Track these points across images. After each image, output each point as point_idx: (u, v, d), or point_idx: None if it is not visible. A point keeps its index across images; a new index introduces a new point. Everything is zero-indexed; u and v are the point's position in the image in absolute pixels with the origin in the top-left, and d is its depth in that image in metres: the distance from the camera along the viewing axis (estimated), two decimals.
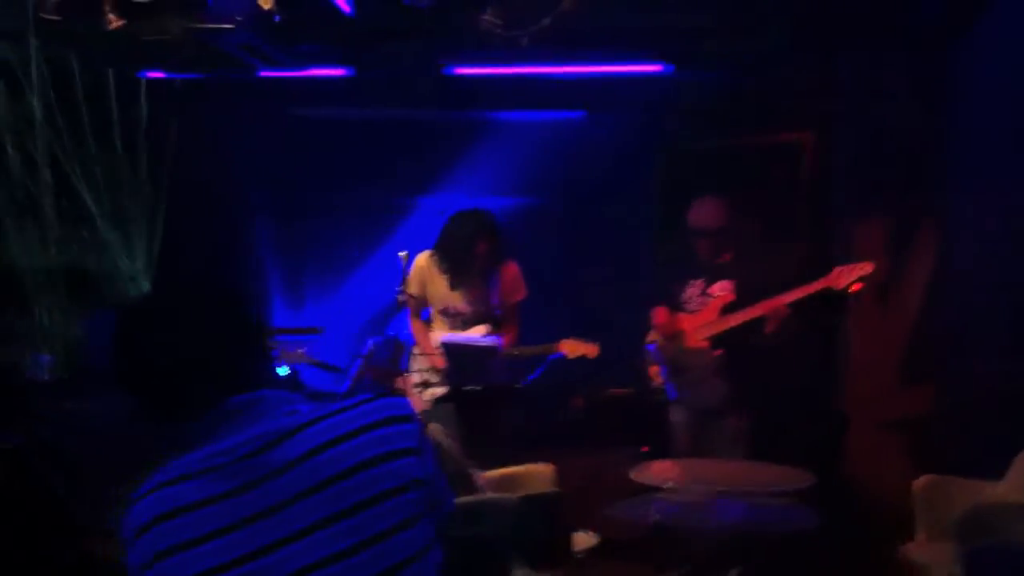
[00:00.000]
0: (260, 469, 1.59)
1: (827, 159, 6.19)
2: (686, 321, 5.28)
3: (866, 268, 4.72)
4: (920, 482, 4.29)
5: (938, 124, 5.49)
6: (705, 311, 5.21)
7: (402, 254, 4.89)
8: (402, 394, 4.75)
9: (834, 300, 4.87)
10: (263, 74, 5.89)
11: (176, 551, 1.55)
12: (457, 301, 5.24)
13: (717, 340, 5.07)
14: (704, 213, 5.27)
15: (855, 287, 4.72)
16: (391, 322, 4.92)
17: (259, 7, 4.56)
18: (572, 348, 5.12)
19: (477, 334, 5.22)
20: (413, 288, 5.19)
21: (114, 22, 4.60)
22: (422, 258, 5.28)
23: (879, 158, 5.74)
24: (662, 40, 5.74)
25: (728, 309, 5.13)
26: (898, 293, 5.64)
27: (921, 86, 5.60)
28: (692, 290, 5.31)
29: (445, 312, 5.28)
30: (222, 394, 1.65)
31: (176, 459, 1.64)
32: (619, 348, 5.60)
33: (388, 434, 1.65)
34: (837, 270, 4.76)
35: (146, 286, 4.84)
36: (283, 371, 5.03)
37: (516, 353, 5.15)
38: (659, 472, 4.43)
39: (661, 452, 5.30)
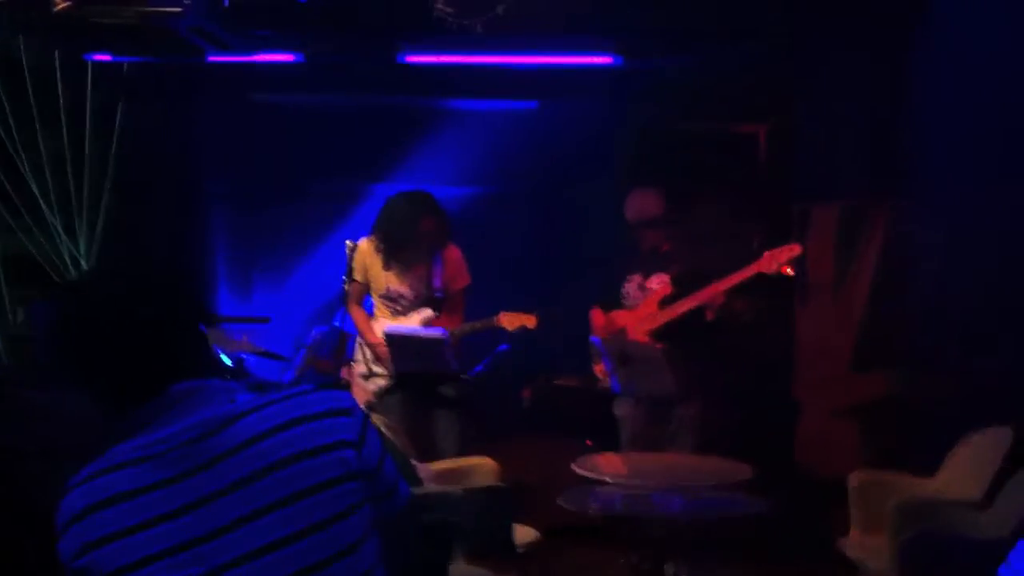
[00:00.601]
0: (198, 457, 1.59)
1: (784, 148, 6.25)
2: (625, 318, 5.31)
3: (794, 250, 4.76)
4: (854, 477, 4.36)
5: (894, 113, 5.54)
6: (644, 305, 5.26)
7: (349, 243, 4.87)
8: (347, 384, 4.74)
9: (772, 283, 4.92)
10: (213, 59, 5.84)
11: (110, 540, 1.54)
12: (399, 285, 5.21)
13: (659, 333, 5.11)
14: (641, 204, 5.31)
15: (785, 269, 4.77)
16: (337, 312, 4.89)
17: None
18: (511, 320, 5.10)
19: (420, 319, 5.20)
20: (357, 274, 5.16)
21: (61, 4, 4.55)
22: (365, 244, 5.23)
23: (835, 147, 5.80)
24: (616, 29, 5.76)
25: (666, 301, 5.17)
26: (849, 281, 5.72)
27: (879, 75, 5.66)
28: (630, 285, 5.36)
29: (387, 296, 5.23)
30: (163, 381, 1.64)
31: (115, 447, 1.63)
32: (568, 339, 5.64)
33: (326, 426, 1.65)
34: (767, 254, 4.80)
35: (87, 270, 4.78)
36: (227, 360, 5.00)
37: (456, 332, 5.14)
38: (602, 465, 4.46)
39: (606, 444, 5.34)
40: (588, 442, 5.53)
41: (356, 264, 5.12)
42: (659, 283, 5.26)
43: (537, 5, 5.04)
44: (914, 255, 5.34)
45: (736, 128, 6.41)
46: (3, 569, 2.75)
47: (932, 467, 4.36)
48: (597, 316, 5.40)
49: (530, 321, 5.08)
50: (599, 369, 5.26)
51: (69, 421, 2.94)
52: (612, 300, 5.39)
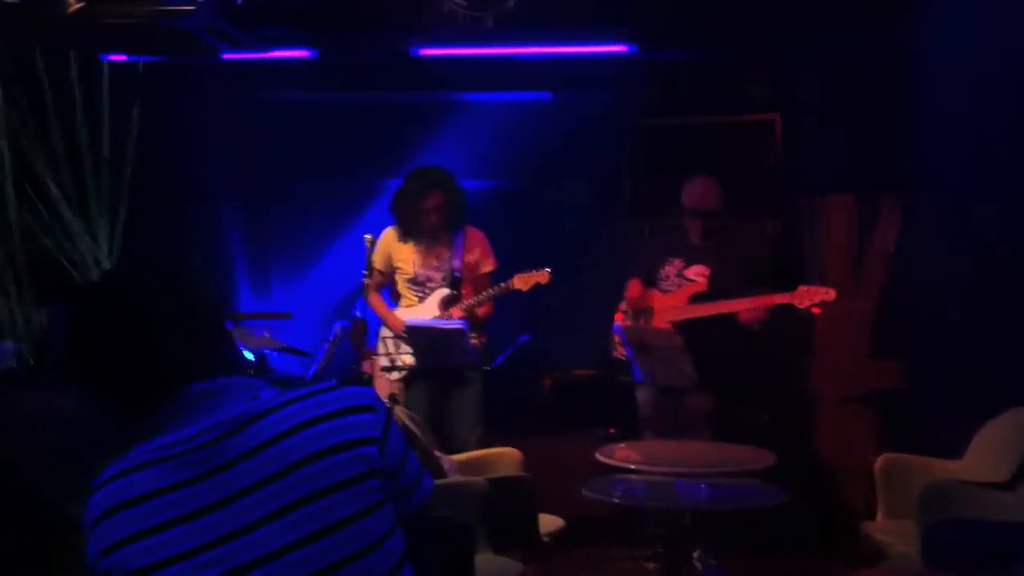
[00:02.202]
0: (221, 456, 1.59)
1: (796, 139, 6.23)
2: (657, 299, 5.31)
3: (829, 294, 4.81)
4: (880, 461, 4.35)
5: (904, 104, 5.53)
6: (677, 293, 5.26)
7: (368, 237, 4.88)
8: (369, 378, 4.75)
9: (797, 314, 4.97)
10: (227, 56, 5.85)
11: (135, 539, 1.55)
12: (423, 266, 5.24)
13: (681, 325, 5.11)
14: (701, 193, 5.28)
15: (815, 310, 4.82)
16: (357, 302, 4.91)
17: None
18: (524, 281, 5.14)
19: (438, 299, 5.22)
20: (379, 263, 5.19)
21: (74, 5, 4.56)
22: (388, 231, 5.30)
23: (846, 138, 5.78)
24: (628, 19, 5.75)
25: (696, 299, 5.18)
26: (865, 270, 5.71)
27: (887, 66, 5.65)
28: (670, 268, 5.35)
29: (414, 281, 5.28)
30: (185, 380, 1.64)
31: (137, 447, 1.63)
32: (588, 329, 5.64)
33: (349, 423, 1.64)
34: (802, 289, 4.85)
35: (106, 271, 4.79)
36: (249, 356, 5.02)
37: (471, 302, 5.17)
38: (624, 454, 4.46)
39: (627, 433, 5.35)
40: (611, 430, 5.54)
41: (378, 253, 5.15)
42: (697, 274, 5.26)
43: None
44: (929, 242, 5.32)
45: (747, 119, 6.39)
46: (10, 568, 2.77)
47: (954, 451, 4.35)
48: (634, 287, 5.37)
49: (543, 276, 5.11)
50: (620, 352, 5.27)
51: (78, 421, 2.96)
52: (650, 279, 5.38)
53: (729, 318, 5.05)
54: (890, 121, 5.61)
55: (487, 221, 5.58)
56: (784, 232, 6.16)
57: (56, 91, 4.73)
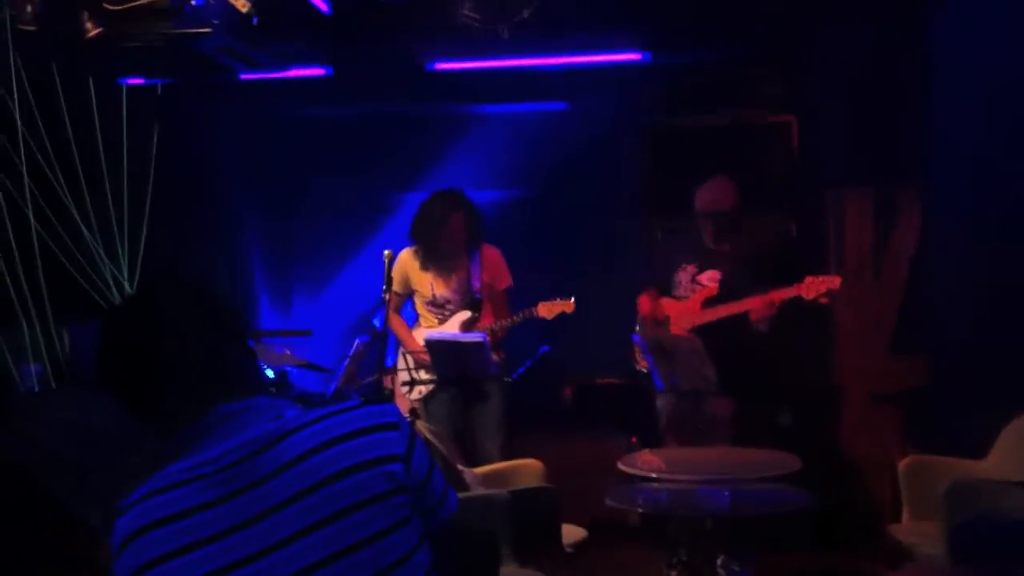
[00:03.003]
0: (248, 476, 1.61)
1: (812, 137, 6.22)
2: (672, 307, 5.31)
3: (834, 282, 4.81)
4: (905, 462, 4.34)
5: (920, 99, 5.52)
6: (691, 300, 5.26)
7: (386, 252, 4.91)
8: (390, 393, 4.77)
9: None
10: (244, 76, 5.89)
11: (163, 560, 1.56)
12: (443, 289, 5.27)
13: (698, 330, 5.11)
14: (715, 195, 5.27)
15: (823, 299, 4.82)
16: (377, 312, 4.94)
17: (237, 10, 4.57)
18: (549, 309, 5.15)
19: (459, 321, 5.24)
20: (397, 286, 5.21)
21: (91, 30, 4.61)
22: (405, 254, 5.32)
23: (863, 134, 5.77)
24: (641, 26, 5.76)
25: (709, 303, 5.18)
26: (887, 266, 5.70)
27: (902, 61, 5.63)
28: (683, 274, 5.34)
29: (433, 303, 5.30)
30: (211, 401, 1.66)
31: (163, 469, 1.65)
32: (608, 338, 5.63)
33: (375, 440, 1.66)
34: (809, 280, 4.84)
35: (131, 292, 4.84)
36: (269, 373, 5.05)
37: (495, 327, 5.19)
38: (647, 461, 4.46)
39: (650, 441, 5.34)
40: (633, 439, 5.54)
41: (396, 275, 5.17)
42: (709, 279, 5.26)
43: (563, 7, 5.04)
44: (950, 239, 5.30)
45: (766, 119, 6.38)
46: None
47: (979, 450, 4.33)
48: (645, 301, 5.38)
49: (568, 306, 5.12)
50: (642, 364, 5.27)
51: (103, 438, 2.99)
52: (664, 286, 5.38)
53: (743, 320, 5.04)
54: (907, 117, 5.58)
55: (505, 231, 5.60)
56: (800, 230, 6.14)
57: (75, 115, 4.78)
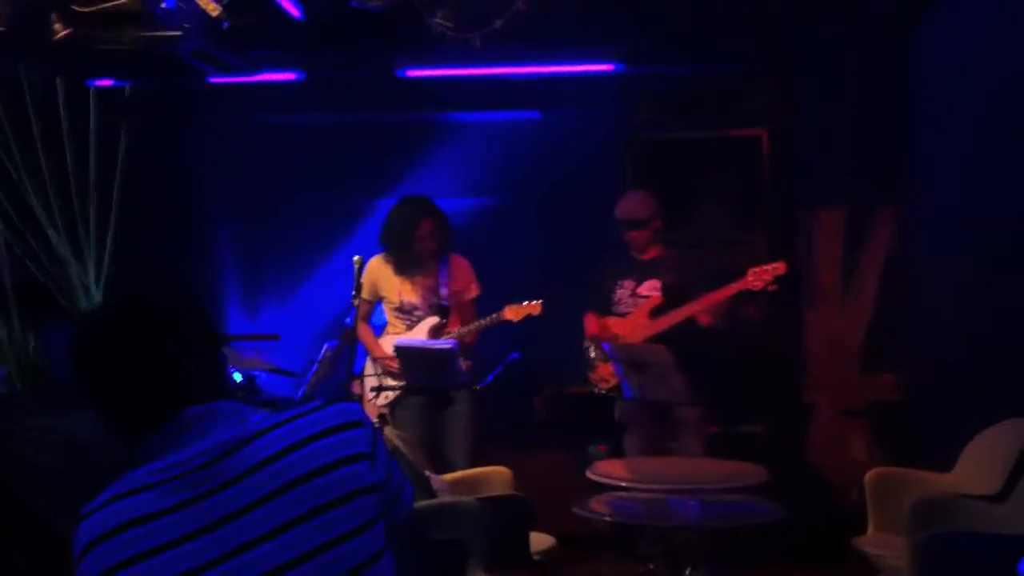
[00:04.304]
0: (214, 480, 1.60)
1: (787, 151, 6.25)
2: (619, 325, 5.33)
3: (779, 269, 4.86)
4: (871, 474, 4.35)
5: (896, 115, 5.56)
6: (635, 314, 5.27)
7: (356, 258, 4.89)
8: (359, 398, 4.75)
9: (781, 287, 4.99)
10: (214, 80, 5.86)
11: (127, 565, 1.55)
12: (410, 295, 5.25)
13: (653, 342, 5.12)
14: (629, 205, 5.34)
15: (771, 287, 4.85)
16: (349, 313, 4.91)
17: (207, 15, 4.54)
18: (516, 312, 5.14)
19: (427, 327, 5.23)
20: (365, 292, 5.19)
21: (60, 32, 4.56)
22: (374, 260, 5.30)
23: (838, 150, 5.81)
24: (614, 38, 5.78)
25: (656, 312, 5.20)
26: (857, 283, 5.74)
27: (879, 76, 5.67)
28: (622, 291, 5.37)
29: (401, 309, 5.28)
30: (177, 406, 1.66)
31: (129, 472, 1.64)
32: (579, 347, 5.63)
33: (339, 440, 1.66)
34: (751, 271, 4.89)
35: (98, 297, 4.79)
36: (238, 377, 5.02)
37: (462, 331, 5.18)
38: (616, 471, 4.46)
39: (619, 450, 5.34)
40: (602, 448, 5.54)
41: (365, 282, 5.14)
42: (650, 290, 5.28)
43: (536, 17, 5.05)
44: (922, 255, 5.35)
45: (738, 133, 6.42)
46: None
47: (946, 465, 4.35)
48: (591, 322, 5.41)
49: (535, 308, 5.12)
50: (597, 375, 5.28)
51: (68, 445, 2.96)
52: (604, 305, 5.40)
53: (696, 330, 5.07)
54: (885, 132, 5.63)
55: (476, 239, 5.59)
56: (772, 245, 6.17)
57: (42, 116, 4.72)
